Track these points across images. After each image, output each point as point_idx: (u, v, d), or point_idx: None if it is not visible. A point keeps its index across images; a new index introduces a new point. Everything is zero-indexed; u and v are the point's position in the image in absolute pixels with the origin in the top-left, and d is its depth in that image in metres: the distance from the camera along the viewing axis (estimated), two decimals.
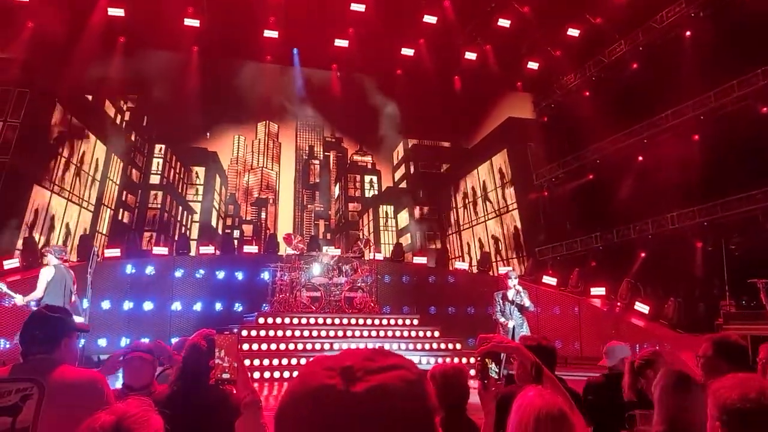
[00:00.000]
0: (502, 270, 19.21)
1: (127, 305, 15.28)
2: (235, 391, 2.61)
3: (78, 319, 7.74)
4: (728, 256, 17.69)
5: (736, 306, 15.61)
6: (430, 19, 22.40)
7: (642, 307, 16.36)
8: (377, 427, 0.86)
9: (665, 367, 3.36)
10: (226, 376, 2.21)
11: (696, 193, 18.51)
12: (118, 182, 25.37)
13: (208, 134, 26.12)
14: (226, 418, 2.38)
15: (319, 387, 0.88)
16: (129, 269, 15.67)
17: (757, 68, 16.96)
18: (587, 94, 23.31)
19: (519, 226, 26.85)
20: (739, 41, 16.92)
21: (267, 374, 12.01)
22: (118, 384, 3.91)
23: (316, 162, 30.55)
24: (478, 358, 2.65)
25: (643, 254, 20.31)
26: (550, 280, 18.17)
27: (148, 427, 1.65)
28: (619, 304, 17.08)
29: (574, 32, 22.62)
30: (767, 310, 12.12)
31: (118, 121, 25.77)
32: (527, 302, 10.93)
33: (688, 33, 19.25)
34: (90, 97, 23.80)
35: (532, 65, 24.76)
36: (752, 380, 2.03)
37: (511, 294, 10.93)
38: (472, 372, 2.88)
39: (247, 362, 11.79)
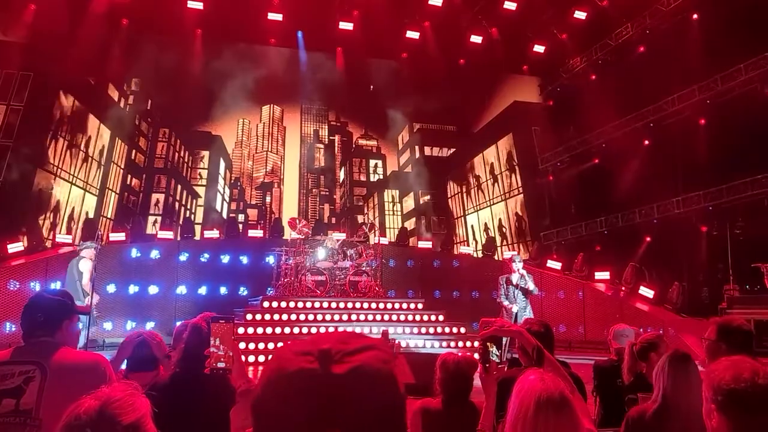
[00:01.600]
0: (507, 254, 19.18)
1: (133, 289, 15.36)
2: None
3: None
4: (733, 241, 17.64)
5: (739, 290, 15.61)
6: (435, 1, 22.20)
7: (646, 292, 16.34)
8: (358, 406, 0.87)
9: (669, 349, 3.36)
10: (221, 365, 2.21)
11: (702, 177, 18.43)
12: (122, 166, 25.38)
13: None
14: (223, 402, 2.39)
15: (298, 371, 0.88)
16: (134, 253, 15.72)
17: (764, 52, 16.80)
18: (593, 77, 23.13)
19: (524, 210, 26.78)
20: (747, 24, 16.74)
21: (271, 357, 12.06)
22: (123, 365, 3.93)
23: (321, 146, 30.48)
24: (481, 342, 2.66)
25: (648, 238, 20.26)
26: (554, 264, 18.13)
27: (134, 411, 1.62)
28: (623, 288, 17.06)
29: (580, 15, 22.39)
30: None
31: (121, 104, 25.71)
32: (531, 286, 10.97)
33: (695, 16, 19.07)
34: (93, 81, 23.71)
35: (538, 48, 24.53)
36: (745, 362, 2.03)
37: (515, 278, 11.00)
38: (476, 356, 2.88)
39: (251, 345, 11.90)
